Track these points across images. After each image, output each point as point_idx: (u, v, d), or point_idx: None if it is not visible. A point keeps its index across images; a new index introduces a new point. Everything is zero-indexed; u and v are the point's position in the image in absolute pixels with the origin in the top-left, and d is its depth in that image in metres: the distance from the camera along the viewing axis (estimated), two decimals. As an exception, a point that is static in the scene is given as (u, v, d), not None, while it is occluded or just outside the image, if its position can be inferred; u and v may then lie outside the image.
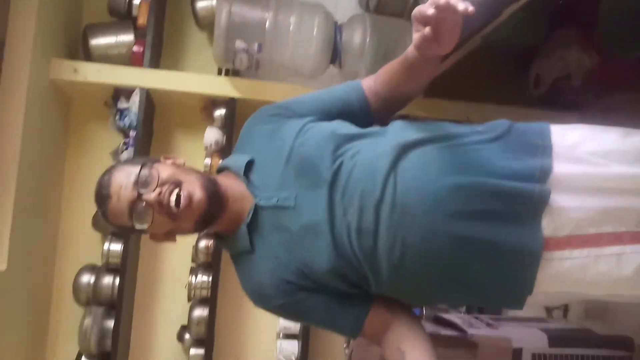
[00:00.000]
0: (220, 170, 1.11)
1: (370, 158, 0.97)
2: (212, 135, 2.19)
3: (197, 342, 2.19)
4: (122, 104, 2.22)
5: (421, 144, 0.97)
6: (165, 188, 0.95)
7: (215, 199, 0.99)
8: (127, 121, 2.21)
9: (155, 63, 2.29)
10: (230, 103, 2.17)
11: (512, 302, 0.97)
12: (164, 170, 0.98)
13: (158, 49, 2.34)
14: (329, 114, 1.06)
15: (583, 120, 1.05)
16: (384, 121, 1.09)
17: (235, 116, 2.17)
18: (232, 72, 2.22)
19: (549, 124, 1.00)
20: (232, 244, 1.06)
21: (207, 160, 2.20)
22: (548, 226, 0.91)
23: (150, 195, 0.95)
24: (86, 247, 2.29)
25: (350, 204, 0.94)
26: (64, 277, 2.25)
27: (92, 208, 2.14)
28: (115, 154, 2.25)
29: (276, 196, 1.00)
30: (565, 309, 2.01)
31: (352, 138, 1.01)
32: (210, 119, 2.23)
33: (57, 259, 2.30)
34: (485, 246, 0.91)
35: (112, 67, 2.16)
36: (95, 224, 2.23)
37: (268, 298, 1.03)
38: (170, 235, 1.03)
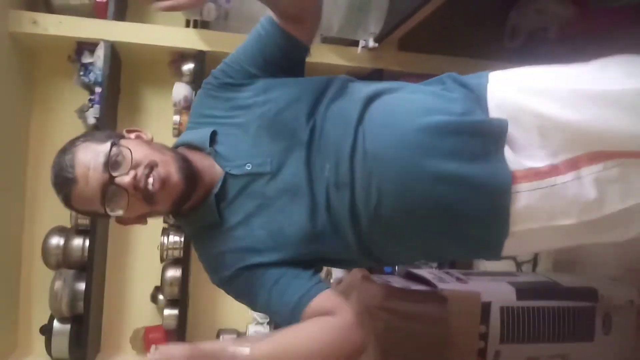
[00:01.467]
0: (177, 146, 1.06)
1: (339, 112, 0.98)
2: (181, 90, 2.12)
3: (171, 303, 2.19)
4: (86, 59, 2.13)
5: (383, 93, 1.00)
6: (140, 170, 0.90)
7: (191, 178, 0.95)
8: (92, 77, 2.12)
9: (120, 15, 2.19)
10: (199, 56, 2.10)
11: (491, 246, 0.97)
12: (136, 149, 0.91)
13: (123, 0, 2.23)
14: (270, 67, 1.04)
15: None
16: (310, 40, 1.07)
17: (205, 70, 2.10)
18: (200, 25, 2.15)
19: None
20: (196, 218, 1.02)
21: (176, 118, 2.13)
22: (512, 159, 0.92)
23: (125, 178, 0.88)
24: (54, 209, 2.19)
25: (327, 159, 0.95)
26: (33, 240, 2.20)
27: (59, 168, 2.11)
28: (81, 111, 2.17)
29: (249, 163, 0.98)
30: (534, 262, 2.05)
31: (319, 96, 1.01)
32: (178, 74, 2.15)
33: (25, 222, 2.25)
34: (458, 182, 0.91)
35: (74, 19, 2.06)
36: (63, 184, 2.17)
37: (223, 267, 1.00)
38: (141, 219, 0.98)
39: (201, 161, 0.99)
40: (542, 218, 0.93)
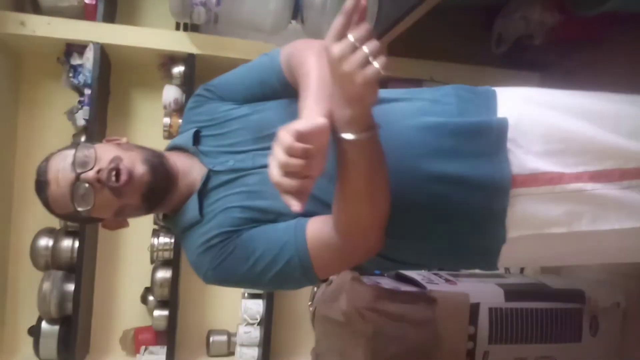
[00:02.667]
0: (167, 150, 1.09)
1: None
2: (171, 93, 2.12)
3: (161, 304, 2.19)
4: (75, 60, 2.12)
5: (381, 101, 0.98)
6: (104, 164, 0.93)
7: (160, 171, 0.97)
8: (81, 78, 2.11)
9: (110, 17, 2.18)
10: (189, 59, 2.10)
11: (488, 253, 0.98)
12: (102, 148, 0.96)
13: (112, 2, 2.23)
14: (264, 97, 1.04)
15: (544, 80, 1.08)
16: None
17: (195, 73, 2.10)
18: (190, 28, 2.14)
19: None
20: (180, 218, 1.02)
21: (166, 120, 2.13)
22: (516, 163, 0.93)
23: (89, 173, 0.92)
24: (43, 210, 2.19)
25: None
26: (21, 242, 2.19)
27: (47, 170, 2.09)
28: (70, 113, 2.16)
29: (232, 159, 1.00)
30: (522, 264, 2.07)
31: None
32: (168, 76, 2.15)
33: (12, 223, 2.23)
34: (455, 182, 0.92)
35: (62, 21, 2.05)
36: (52, 186, 2.16)
37: (211, 256, 0.96)
38: (121, 220, 1.01)
39: (182, 161, 1.01)
40: (535, 224, 0.94)
